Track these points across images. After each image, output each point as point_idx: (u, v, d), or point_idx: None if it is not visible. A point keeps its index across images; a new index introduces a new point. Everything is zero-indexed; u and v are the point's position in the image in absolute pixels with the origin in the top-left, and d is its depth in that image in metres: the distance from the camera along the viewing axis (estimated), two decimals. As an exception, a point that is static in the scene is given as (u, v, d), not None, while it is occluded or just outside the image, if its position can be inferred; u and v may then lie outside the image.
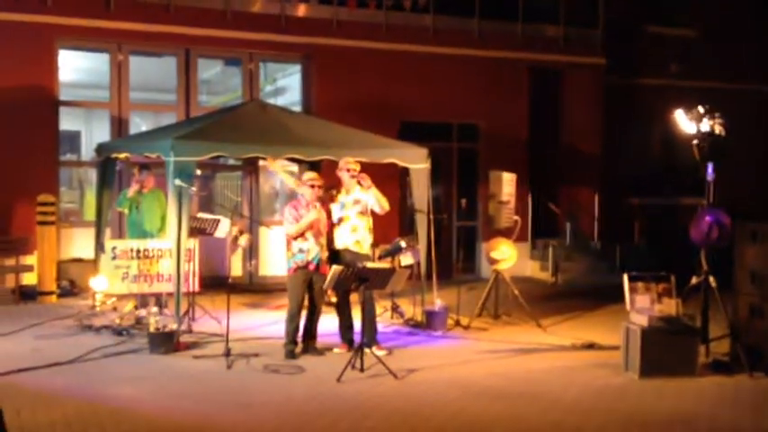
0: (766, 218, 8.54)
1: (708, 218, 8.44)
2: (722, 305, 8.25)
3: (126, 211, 10.32)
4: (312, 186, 8.33)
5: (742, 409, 6.84)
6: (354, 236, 8.52)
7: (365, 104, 13.77)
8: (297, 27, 13.75)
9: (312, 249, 8.27)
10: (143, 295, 9.73)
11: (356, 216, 8.53)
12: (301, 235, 8.25)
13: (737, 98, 16.36)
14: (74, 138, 16.40)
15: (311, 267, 8.28)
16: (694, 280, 8.47)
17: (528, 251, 15.02)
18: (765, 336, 7.93)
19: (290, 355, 8.21)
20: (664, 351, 7.69)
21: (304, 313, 8.41)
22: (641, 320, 7.80)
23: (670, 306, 7.92)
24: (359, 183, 8.47)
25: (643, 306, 7.99)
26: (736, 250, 8.40)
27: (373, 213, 8.61)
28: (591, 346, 9.06)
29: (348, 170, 8.54)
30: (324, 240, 8.42)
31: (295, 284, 8.30)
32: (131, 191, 10.15)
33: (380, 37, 14.26)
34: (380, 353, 8.16)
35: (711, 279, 8.36)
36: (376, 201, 8.48)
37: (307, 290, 8.33)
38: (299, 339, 8.38)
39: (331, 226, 8.54)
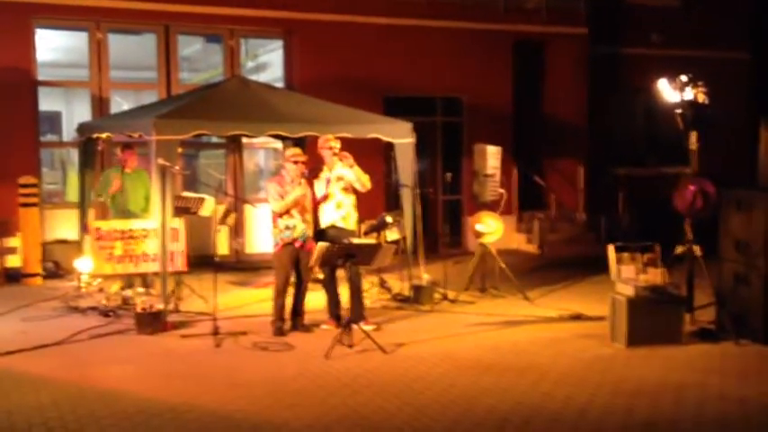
0: (749, 185, 8.56)
1: (692, 187, 8.47)
2: (707, 273, 8.30)
3: (106, 200, 10.15)
4: (296, 162, 8.27)
5: (729, 377, 6.90)
6: (340, 212, 8.49)
7: (348, 79, 13.68)
8: (277, 2, 13.58)
9: (298, 226, 8.23)
10: (129, 276, 9.67)
11: (340, 192, 8.50)
12: (287, 212, 8.21)
13: (720, 66, 16.38)
14: (54, 118, 16.22)
15: (297, 244, 8.25)
16: (679, 249, 8.52)
17: (514, 224, 15.04)
18: (750, 303, 7.98)
19: (279, 332, 8.20)
20: (650, 320, 7.74)
21: (291, 290, 8.40)
22: (627, 290, 7.84)
23: (655, 276, 7.95)
24: (340, 159, 8.44)
25: (629, 276, 8.03)
26: (720, 218, 8.43)
27: (356, 190, 8.58)
28: (578, 317, 9.11)
29: (330, 148, 8.49)
30: (309, 217, 8.38)
31: (281, 261, 8.27)
32: (114, 178, 9.96)
33: (362, 11, 14.12)
34: (368, 327, 8.16)
35: (696, 248, 8.40)
36: (357, 179, 8.45)
37: (293, 266, 8.31)
38: (287, 316, 8.37)
39: (316, 203, 8.50)
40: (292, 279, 8.41)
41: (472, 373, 6.92)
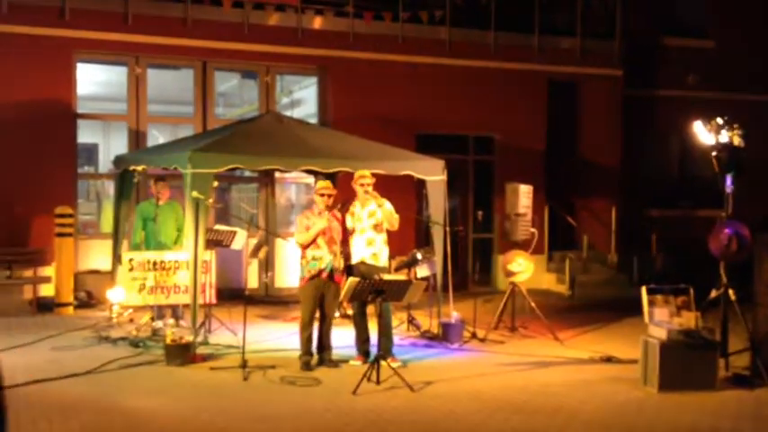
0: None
1: (727, 230, 8.36)
2: (742, 318, 8.16)
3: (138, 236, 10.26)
4: (322, 195, 8.35)
5: (763, 423, 6.76)
6: (371, 249, 8.52)
7: (381, 116, 13.77)
8: (313, 40, 13.79)
9: (325, 257, 8.26)
10: (159, 307, 9.74)
11: (371, 229, 8.53)
12: (313, 242, 8.25)
13: (757, 109, 16.27)
14: (91, 150, 16.53)
15: (323, 276, 8.27)
16: (713, 293, 8.39)
17: (544, 263, 14.95)
18: (786, 349, 7.83)
19: (306, 366, 8.19)
20: (683, 365, 7.61)
21: (316, 324, 8.40)
22: (660, 334, 7.73)
23: (689, 319, 7.84)
24: (372, 197, 8.48)
25: (662, 319, 7.92)
26: (755, 263, 8.31)
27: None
28: (609, 360, 8.98)
29: (362, 185, 8.54)
30: (337, 248, 8.37)
31: (307, 295, 8.29)
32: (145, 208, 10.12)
33: (397, 49, 14.28)
34: (395, 365, 8.12)
35: (731, 292, 8.28)
36: (385, 218, 8.49)
37: (319, 300, 8.32)
38: (314, 350, 8.37)
39: (346, 237, 8.52)
40: (318, 314, 8.42)
41: (501, 414, 6.84)
